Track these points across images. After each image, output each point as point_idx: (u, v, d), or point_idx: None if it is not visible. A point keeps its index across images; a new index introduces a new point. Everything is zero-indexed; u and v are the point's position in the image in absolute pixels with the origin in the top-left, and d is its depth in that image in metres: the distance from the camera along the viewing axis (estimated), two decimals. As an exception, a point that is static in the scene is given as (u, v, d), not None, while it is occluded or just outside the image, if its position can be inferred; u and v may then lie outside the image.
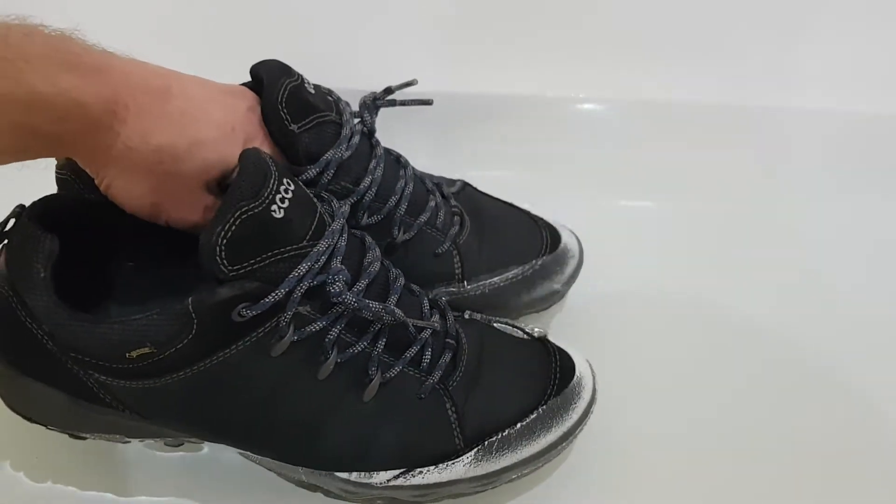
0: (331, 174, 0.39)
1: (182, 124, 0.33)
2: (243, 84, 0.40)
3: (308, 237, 0.33)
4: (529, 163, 0.59)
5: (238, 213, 0.30)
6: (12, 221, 0.34)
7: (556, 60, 0.61)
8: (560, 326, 0.49)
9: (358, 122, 0.41)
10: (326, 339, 0.34)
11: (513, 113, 0.60)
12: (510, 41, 0.62)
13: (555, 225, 0.49)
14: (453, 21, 0.63)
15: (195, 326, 0.31)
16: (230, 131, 0.35)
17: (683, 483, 0.42)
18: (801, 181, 0.58)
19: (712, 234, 0.55)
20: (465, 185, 0.49)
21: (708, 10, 0.62)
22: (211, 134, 0.34)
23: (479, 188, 0.49)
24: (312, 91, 0.40)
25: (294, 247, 0.32)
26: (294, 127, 0.38)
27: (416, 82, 0.43)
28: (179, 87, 0.34)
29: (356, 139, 0.40)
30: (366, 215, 0.41)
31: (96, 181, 0.34)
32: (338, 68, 0.54)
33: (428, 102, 0.43)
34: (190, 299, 0.30)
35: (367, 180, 0.41)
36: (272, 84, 0.37)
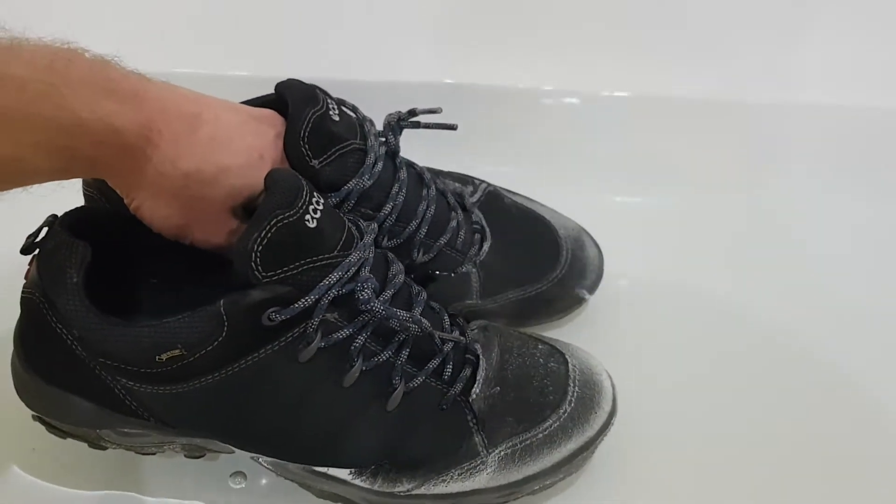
0: (352, 203, 0.40)
1: (211, 150, 0.34)
2: (265, 98, 0.40)
3: (339, 248, 0.33)
4: (528, 157, 0.60)
5: (274, 220, 0.31)
6: (45, 230, 0.34)
7: (556, 54, 0.61)
8: (564, 321, 0.49)
9: (382, 145, 0.42)
10: (352, 347, 0.34)
11: (513, 106, 0.60)
12: (509, 34, 0.63)
13: (578, 233, 0.49)
14: (451, 14, 0.63)
15: (226, 329, 0.31)
16: (258, 158, 0.36)
17: (708, 489, 0.42)
18: (800, 176, 0.59)
19: (711, 229, 0.56)
20: (489, 190, 0.49)
21: (707, 5, 0.63)
22: (239, 160, 0.35)
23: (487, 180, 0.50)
24: (337, 118, 0.39)
25: (326, 256, 0.33)
26: (315, 162, 0.38)
27: (441, 110, 0.43)
28: (211, 113, 0.35)
29: (379, 166, 0.40)
30: (385, 238, 0.41)
31: (126, 201, 0.35)
32: (337, 61, 0.55)
33: (452, 127, 0.43)
34: (222, 301, 0.31)
35: (388, 206, 0.41)
36: (296, 115, 0.38)
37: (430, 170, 0.48)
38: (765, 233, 0.56)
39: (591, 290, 0.48)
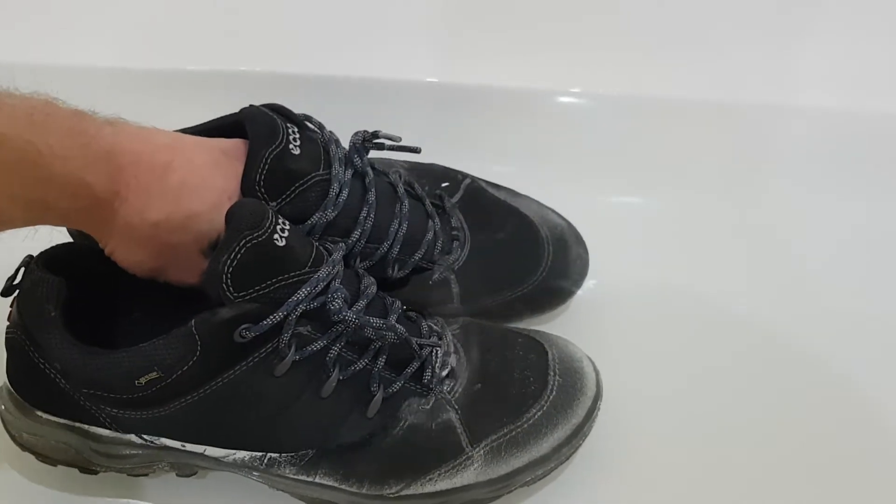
0: (317, 235, 0.39)
1: (179, 198, 0.35)
2: (230, 118, 0.40)
3: (310, 264, 0.34)
4: (520, 156, 0.59)
5: (243, 241, 0.32)
6: (22, 271, 0.36)
7: (550, 53, 0.61)
8: (551, 319, 0.49)
9: (349, 167, 0.41)
10: (328, 358, 0.35)
11: (506, 106, 0.60)
12: (503, 33, 0.62)
13: (562, 231, 0.48)
14: (448, 13, 0.64)
15: (199, 348, 0.32)
16: (227, 200, 0.36)
17: (698, 481, 0.42)
18: (795, 178, 0.59)
19: (705, 230, 0.55)
20: (471, 186, 0.48)
21: (704, 5, 0.63)
22: (207, 204, 0.36)
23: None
24: (297, 150, 0.38)
25: (297, 273, 0.33)
26: (273, 205, 0.38)
27: (401, 139, 0.43)
28: (182, 158, 0.36)
29: (344, 194, 0.40)
30: (358, 261, 0.41)
31: (100, 245, 0.36)
32: (335, 57, 0.55)
33: (416, 150, 0.43)
34: (193, 321, 0.32)
35: (356, 232, 0.40)
36: (252, 157, 0.37)
37: (409, 166, 0.47)
38: (758, 235, 0.56)
39: (575, 289, 0.48)
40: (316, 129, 0.42)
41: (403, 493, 0.37)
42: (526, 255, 0.47)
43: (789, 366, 0.48)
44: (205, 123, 0.42)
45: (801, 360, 0.48)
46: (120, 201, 0.34)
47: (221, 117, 0.41)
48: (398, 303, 0.39)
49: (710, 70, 0.61)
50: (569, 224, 0.50)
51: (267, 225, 0.33)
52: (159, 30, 0.60)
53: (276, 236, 0.33)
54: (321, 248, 0.36)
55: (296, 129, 0.40)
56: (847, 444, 0.44)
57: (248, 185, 0.37)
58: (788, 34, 0.64)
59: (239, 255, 0.32)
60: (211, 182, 0.36)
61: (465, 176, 0.49)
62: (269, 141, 0.38)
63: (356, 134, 0.42)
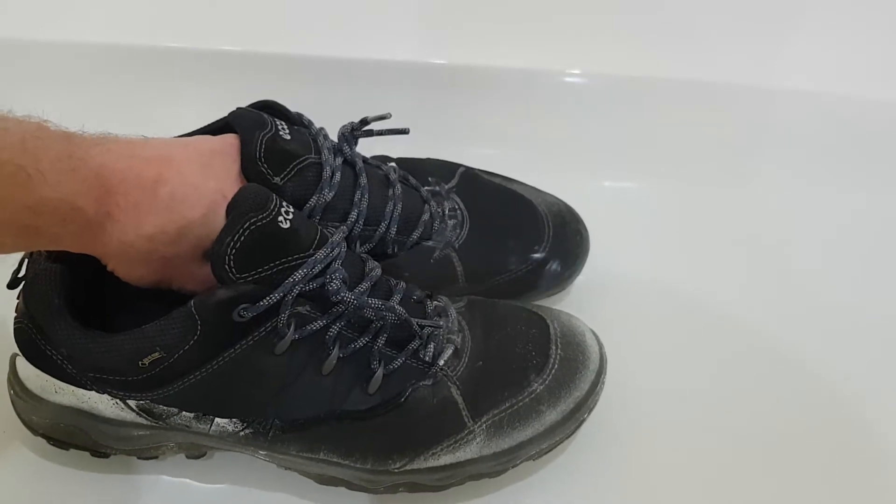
0: (318, 218, 0.40)
1: (172, 209, 0.34)
2: (218, 123, 0.41)
3: (314, 247, 0.35)
4: (515, 140, 0.59)
5: (247, 223, 0.33)
6: (26, 262, 0.36)
7: (546, 35, 0.61)
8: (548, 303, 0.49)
9: (338, 155, 0.42)
10: (327, 336, 0.35)
11: (500, 88, 0.60)
12: (497, 16, 0.63)
13: (559, 209, 0.49)
14: None
15: (199, 327, 0.33)
16: (221, 199, 0.35)
17: (704, 458, 0.43)
18: (793, 161, 0.59)
19: (701, 215, 0.56)
20: (466, 173, 0.49)
21: None
22: (201, 209, 0.35)
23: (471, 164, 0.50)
24: (288, 136, 0.40)
25: (301, 255, 0.34)
26: (277, 179, 0.38)
27: (390, 116, 0.44)
28: (171, 168, 0.35)
29: (338, 177, 0.41)
30: (358, 244, 0.42)
31: (103, 262, 0.36)
32: (329, 38, 0.55)
33: (404, 131, 0.44)
34: (192, 301, 0.33)
35: (353, 214, 0.41)
36: (248, 140, 0.38)
37: (403, 161, 0.48)
38: (755, 219, 0.56)
39: (579, 266, 0.48)
40: (304, 125, 0.43)
41: (408, 467, 0.37)
42: (526, 233, 0.47)
43: (787, 346, 0.48)
44: (196, 130, 0.41)
45: (796, 341, 0.48)
46: (112, 222, 0.33)
47: (211, 123, 0.41)
48: (402, 284, 0.39)
49: (708, 52, 0.61)
50: (566, 204, 0.50)
51: (271, 207, 0.34)
52: (148, 9, 0.59)
53: (280, 219, 0.34)
54: (325, 231, 0.36)
55: (283, 123, 0.40)
56: (843, 431, 0.45)
57: (249, 162, 0.37)
58: (786, 18, 0.65)
59: (243, 237, 0.32)
60: (203, 187, 0.36)
61: (460, 165, 0.50)
62: (259, 128, 0.39)
63: (343, 126, 0.43)
